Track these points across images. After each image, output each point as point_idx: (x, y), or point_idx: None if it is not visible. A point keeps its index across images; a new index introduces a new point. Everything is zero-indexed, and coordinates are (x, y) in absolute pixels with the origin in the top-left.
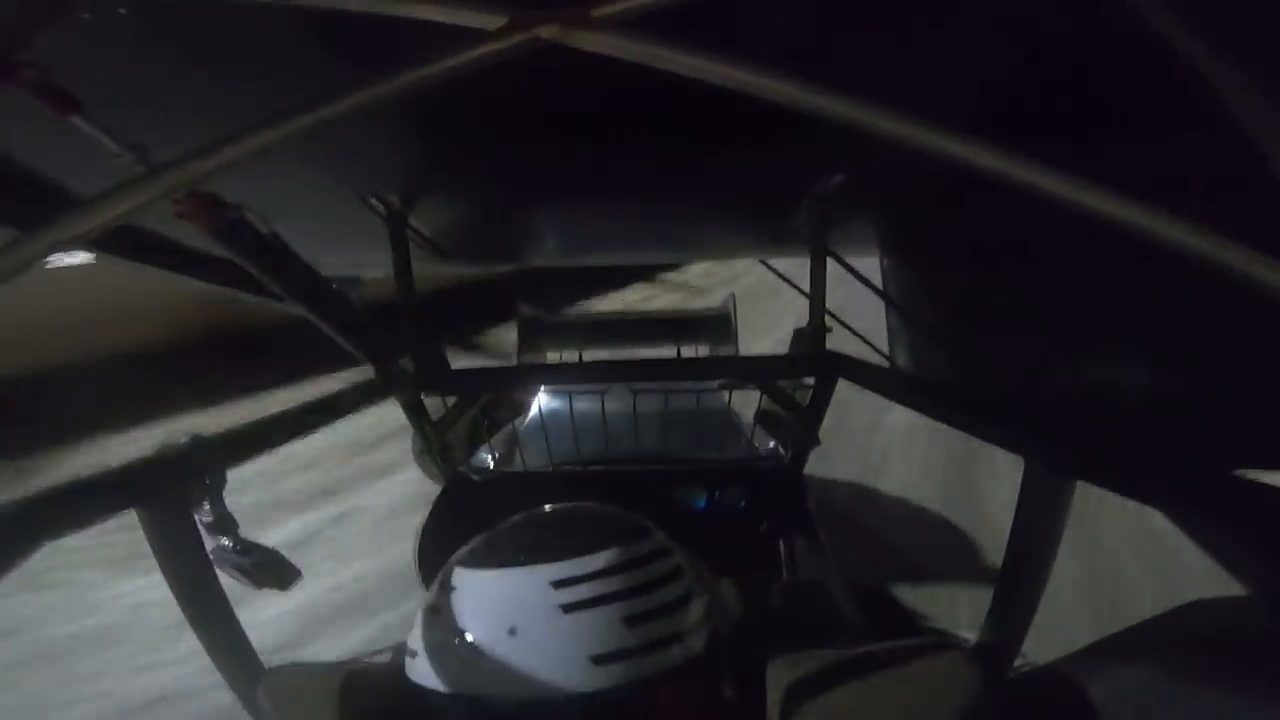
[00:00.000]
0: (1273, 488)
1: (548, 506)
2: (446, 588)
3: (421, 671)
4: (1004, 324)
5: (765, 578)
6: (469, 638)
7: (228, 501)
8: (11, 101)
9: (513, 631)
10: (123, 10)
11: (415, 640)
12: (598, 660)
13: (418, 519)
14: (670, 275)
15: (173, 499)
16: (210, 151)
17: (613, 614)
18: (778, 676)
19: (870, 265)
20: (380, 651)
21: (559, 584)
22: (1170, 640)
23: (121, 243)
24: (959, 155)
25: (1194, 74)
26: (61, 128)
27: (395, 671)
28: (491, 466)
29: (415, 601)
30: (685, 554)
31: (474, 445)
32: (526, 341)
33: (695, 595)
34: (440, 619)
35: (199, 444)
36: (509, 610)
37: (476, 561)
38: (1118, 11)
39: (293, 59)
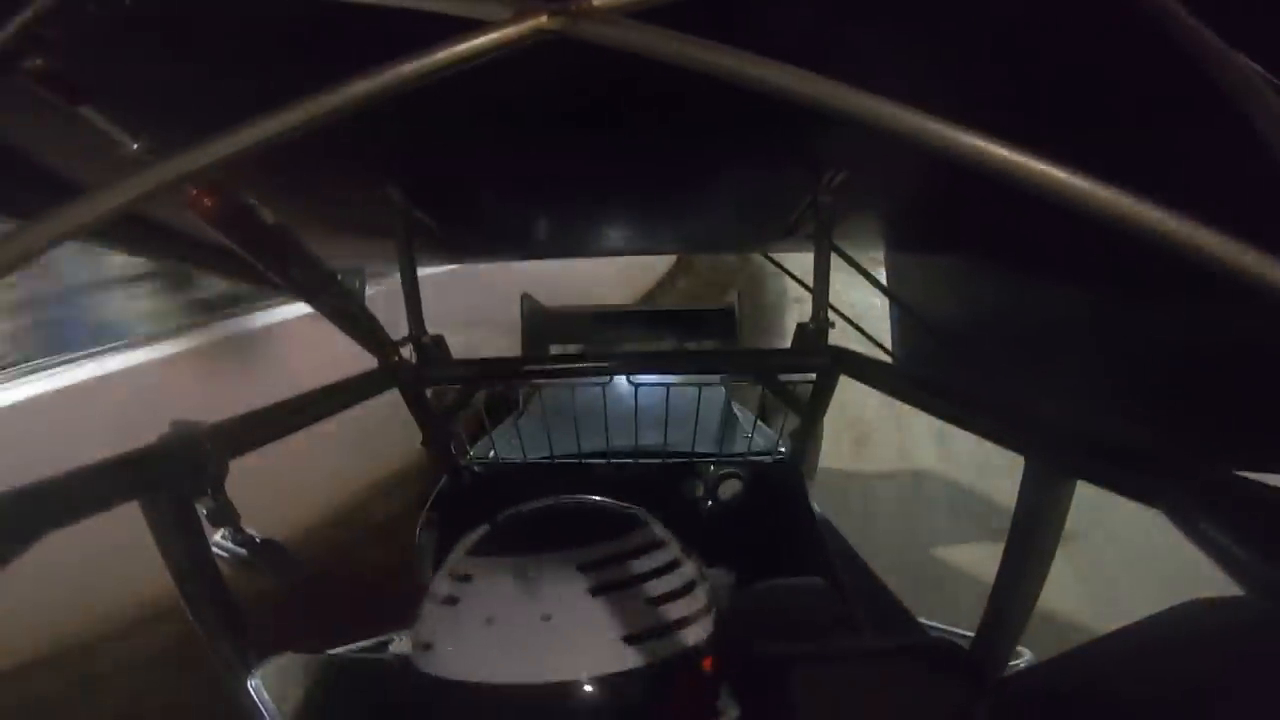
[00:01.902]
0: (1273, 488)
1: (542, 501)
2: (462, 578)
3: (440, 663)
4: (1006, 321)
5: (763, 573)
6: (498, 626)
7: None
8: (18, 91)
9: (546, 617)
10: (128, 1)
11: (427, 633)
12: (629, 640)
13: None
14: None
15: (175, 489)
16: (215, 142)
17: (639, 595)
18: (776, 673)
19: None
20: (369, 645)
21: (587, 567)
22: (1166, 639)
23: (126, 233)
24: (963, 151)
25: (1206, 70)
26: (67, 117)
27: (399, 665)
28: (493, 457)
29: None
30: (680, 544)
31: (476, 436)
32: (529, 333)
33: (699, 581)
34: (460, 610)
35: (201, 434)
36: (540, 596)
37: (494, 550)
38: (1127, 6)
39: (297, 50)
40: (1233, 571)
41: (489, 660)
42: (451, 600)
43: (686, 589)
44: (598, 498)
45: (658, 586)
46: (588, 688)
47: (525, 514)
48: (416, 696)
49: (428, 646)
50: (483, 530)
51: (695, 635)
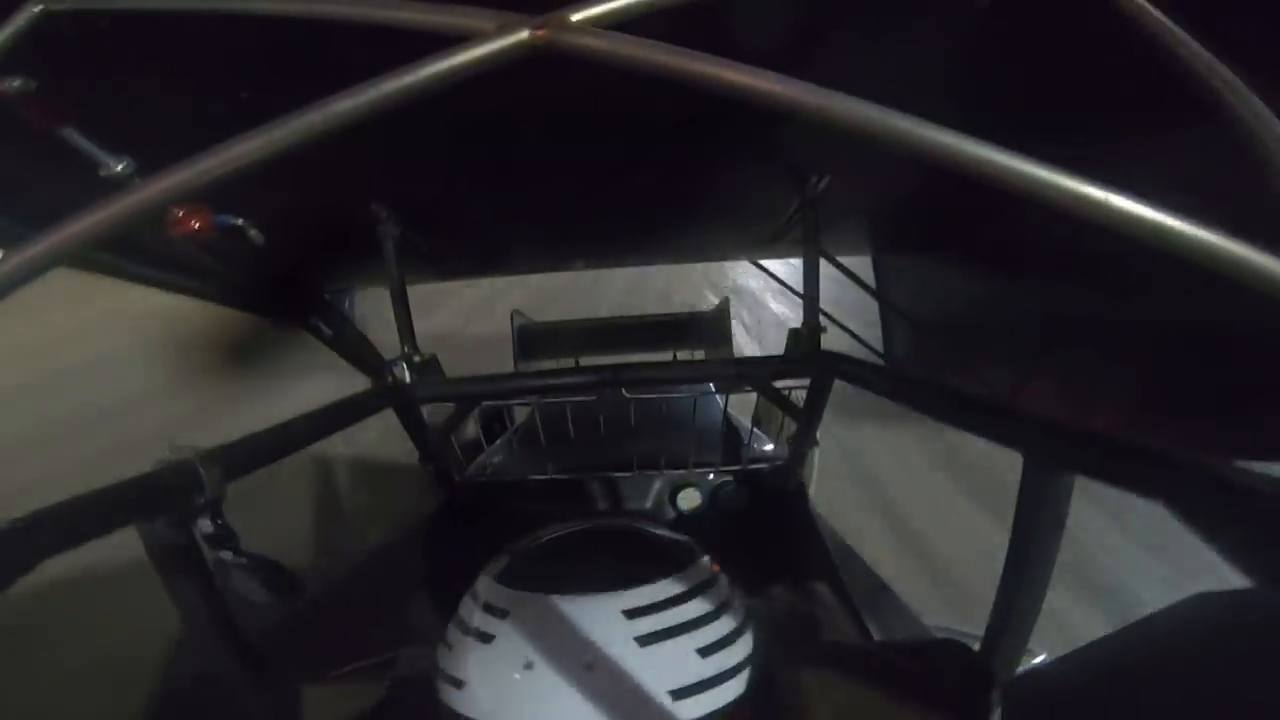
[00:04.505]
0: (1272, 479)
1: (584, 522)
2: (497, 612)
3: (473, 704)
4: (996, 319)
5: (768, 580)
6: (539, 672)
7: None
8: None
9: (589, 667)
10: (105, 24)
11: (459, 669)
12: (677, 695)
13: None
14: None
15: (173, 513)
16: (198, 163)
17: (687, 645)
18: (785, 679)
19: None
20: (379, 661)
21: (633, 614)
22: (1181, 634)
23: (110, 258)
24: (946, 154)
25: (1183, 67)
26: (46, 141)
27: (412, 692)
28: (490, 475)
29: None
30: (726, 580)
31: (472, 454)
32: (522, 348)
33: (747, 623)
34: (498, 648)
35: (197, 458)
36: (585, 643)
37: (533, 585)
38: (1103, 7)
39: (280, 68)
40: (1242, 563)
41: (525, 706)
42: (486, 637)
43: (734, 636)
44: (641, 520)
45: (709, 633)
46: None
47: (555, 539)
48: None
49: (460, 684)
50: (509, 558)
51: (737, 688)
